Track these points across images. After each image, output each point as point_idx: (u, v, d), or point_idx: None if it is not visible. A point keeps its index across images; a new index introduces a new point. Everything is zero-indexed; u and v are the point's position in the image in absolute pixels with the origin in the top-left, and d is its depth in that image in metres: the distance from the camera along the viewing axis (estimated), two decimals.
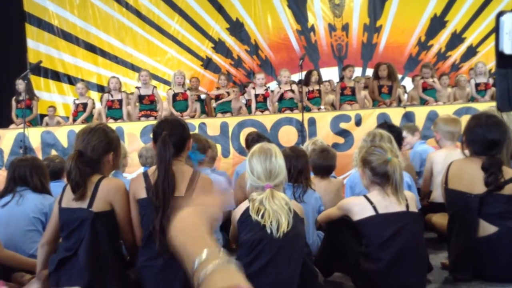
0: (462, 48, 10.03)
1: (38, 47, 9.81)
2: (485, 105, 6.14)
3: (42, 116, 8.46)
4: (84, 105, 7.44)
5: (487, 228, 2.68)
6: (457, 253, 2.78)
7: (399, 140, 3.91)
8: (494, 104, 6.16)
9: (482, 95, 7.30)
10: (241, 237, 2.38)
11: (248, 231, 2.33)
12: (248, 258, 2.27)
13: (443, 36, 10.04)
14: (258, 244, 2.27)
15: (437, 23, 10.00)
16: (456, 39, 10.01)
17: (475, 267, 2.71)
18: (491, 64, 8.45)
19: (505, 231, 2.64)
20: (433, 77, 7.40)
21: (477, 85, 7.37)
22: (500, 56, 2.65)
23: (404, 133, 4.59)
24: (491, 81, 7.45)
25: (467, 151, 2.94)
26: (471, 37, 9.93)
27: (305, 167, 3.22)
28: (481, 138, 2.83)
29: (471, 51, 9.97)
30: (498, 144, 2.78)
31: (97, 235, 2.44)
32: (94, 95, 9.25)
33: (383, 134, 3.38)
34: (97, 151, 2.56)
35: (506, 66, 2.71)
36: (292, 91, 7.04)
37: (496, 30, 2.65)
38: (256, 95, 7.22)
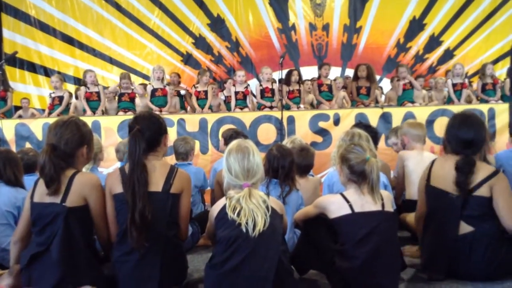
0: (439, 51, 10.22)
1: (14, 37, 9.58)
2: (461, 108, 6.28)
3: (17, 108, 8.28)
4: (60, 98, 7.31)
5: (463, 228, 2.72)
6: (432, 252, 2.82)
7: (375, 140, 3.97)
8: (468, 106, 6.36)
9: (458, 95, 7.45)
10: (218, 233, 2.37)
11: (224, 228, 2.33)
12: (224, 254, 2.28)
13: (421, 39, 10.21)
14: (234, 242, 2.27)
15: (415, 26, 10.16)
16: (434, 42, 10.20)
17: (449, 266, 2.75)
18: (468, 67, 8.64)
19: (481, 231, 2.68)
20: (409, 77, 7.50)
21: (454, 85, 7.51)
22: None
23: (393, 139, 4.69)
24: (467, 81, 7.62)
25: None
26: (449, 41, 10.14)
27: (292, 167, 3.24)
28: (455, 137, 2.89)
29: (448, 54, 10.17)
30: (472, 143, 2.81)
31: (71, 230, 2.40)
32: (71, 87, 9.08)
33: (362, 133, 3.42)
34: (71, 144, 2.53)
35: None
36: (272, 89, 7.06)
37: None
38: (236, 92, 7.21)
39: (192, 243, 3.65)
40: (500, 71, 8.47)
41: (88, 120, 5.96)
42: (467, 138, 2.83)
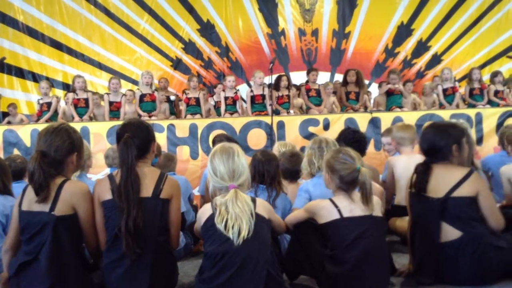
0: (427, 56, 10.34)
1: (2, 43, 9.50)
2: (449, 113, 6.36)
3: (5, 114, 8.20)
4: (49, 104, 7.26)
5: (450, 233, 2.73)
6: (420, 257, 2.84)
7: (363, 144, 3.99)
8: (455, 111, 6.43)
9: (450, 100, 7.50)
10: (205, 247, 2.38)
11: (212, 242, 2.33)
12: (213, 270, 2.29)
13: (409, 44, 10.32)
14: (222, 258, 2.28)
15: (403, 31, 10.27)
16: (421, 47, 10.31)
17: (438, 271, 2.77)
18: (455, 72, 8.74)
19: (468, 236, 2.69)
20: (399, 83, 7.56)
21: (444, 90, 7.58)
22: None
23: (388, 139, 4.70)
24: (457, 84, 7.73)
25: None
26: (436, 46, 10.27)
27: (277, 171, 3.25)
28: (420, 144, 3.02)
29: (436, 59, 10.29)
30: (433, 150, 2.87)
31: (60, 239, 2.39)
32: (60, 93, 9.03)
33: (328, 140, 3.40)
34: (61, 151, 2.51)
35: None
36: (263, 95, 7.08)
37: None
38: (226, 98, 7.22)
39: (184, 254, 3.65)
40: (487, 76, 8.59)
41: (77, 126, 5.91)
42: (426, 146, 2.92)
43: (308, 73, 7.80)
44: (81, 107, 7.12)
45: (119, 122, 5.92)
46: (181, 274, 3.00)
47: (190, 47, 10.16)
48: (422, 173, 2.84)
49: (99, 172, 5.24)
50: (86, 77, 7.78)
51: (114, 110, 7.27)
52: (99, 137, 6.14)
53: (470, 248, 2.67)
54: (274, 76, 7.29)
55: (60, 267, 2.37)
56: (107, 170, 4.50)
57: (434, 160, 2.88)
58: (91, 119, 7.12)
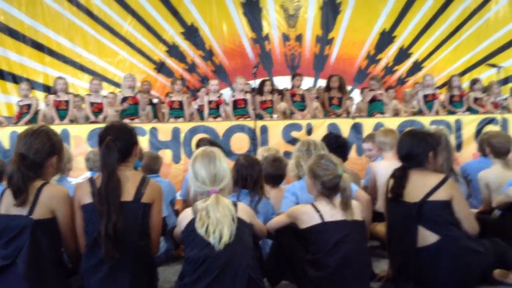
0: (408, 63, 10.49)
1: None
2: (429, 119, 6.46)
3: None
4: (29, 106, 7.16)
5: (427, 237, 2.76)
6: (399, 262, 2.88)
7: (345, 150, 4.02)
8: (435, 118, 6.53)
9: (430, 106, 7.61)
10: (186, 252, 2.37)
11: (192, 247, 2.32)
12: (194, 275, 2.28)
13: (391, 51, 10.46)
14: (203, 263, 2.27)
15: (385, 38, 10.40)
16: (403, 54, 10.46)
17: (416, 276, 2.80)
18: (435, 79, 8.88)
19: (446, 240, 2.73)
20: (380, 90, 7.65)
21: (425, 96, 7.69)
22: None
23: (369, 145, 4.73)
24: (438, 91, 7.86)
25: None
26: (417, 53, 10.42)
27: (260, 176, 3.25)
28: (398, 151, 3.07)
29: (417, 66, 10.45)
30: (410, 157, 2.93)
31: (38, 243, 2.35)
32: (40, 95, 8.90)
33: (317, 142, 3.45)
34: (40, 154, 2.48)
35: None
36: (245, 100, 7.09)
37: None
38: (209, 102, 7.21)
39: (165, 259, 3.63)
40: (467, 83, 8.76)
41: (57, 128, 5.81)
42: (403, 153, 2.97)
43: (292, 78, 7.85)
44: (63, 109, 7.05)
45: (100, 125, 5.86)
46: (162, 279, 2.98)
47: (173, 50, 10.12)
48: (399, 178, 2.89)
49: (79, 175, 5.17)
50: (68, 79, 7.68)
51: (95, 111, 7.18)
52: (79, 140, 6.06)
53: (447, 251, 2.71)
54: (258, 81, 7.31)
55: (38, 271, 2.34)
56: (88, 174, 4.44)
57: (410, 165, 2.93)
58: (72, 121, 7.03)
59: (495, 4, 10.25)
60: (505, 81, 9.39)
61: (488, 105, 7.80)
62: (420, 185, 2.83)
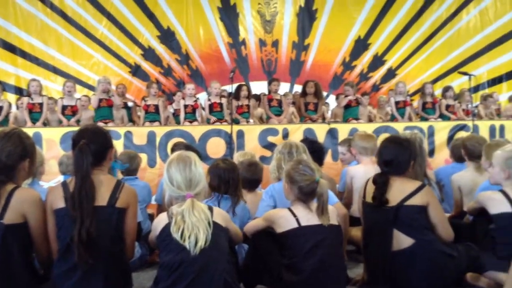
0: (382, 70, 10.68)
1: None
2: (403, 125, 6.58)
3: None
4: (0, 109, 6.99)
5: (402, 241, 2.80)
6: (374, 266, 2.91)
7: (321, 155, 4.05)
8: (409, 124, 6.66)
9: (402, 112, 7.77)
10: (161, 257, 2.35)
11: (167, 252, 2.30)
12: (169, 280, 2.25)
13: (366, 58, 10.64)
14: (178, 268, 2.24)
15: (360, 45, 10.57)
16: (377, 61, 10.65)
17: (391, 279, 2.83)
18: (409, 86, 9.07)
19: (420, 244, 2.77)
20: (354, 96, 7.75)
21: (397, 103, 7.84)
22: None
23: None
24: (409, 99, 8.02)
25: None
26: (391, 60, 10.63)
27: (238, 179, 3.26)
28: (377, 156, 3.13)
29: (391, 73, 10.65)
30: (392, 163, 2.96)
31: (8, 248, 2.29)
32: (12, 97, 8.70)
33: (298, 145, 3.47)
34: (12, 157, 2.42)
35: None
36: (221, 104, 7.08)
37: None
38: (185, 106, 7.17)
39: (140, 265, 3.58)
40: (439, 91, 8.95)
41: (29, 131, 5.67)
42: (384, 159, 3.01)
43: (269, 83, 7.86)
44: (36, 112, 6.92)
45: (73, 128, 5.76)
46: (136, 285, 2.94)
47: (149, 54, 10.04)
48: (382, 184, 2.91)
49: (51, 179, 5.07)
50: (41, 82, 7.52)
51: (69, 114, 7.08)
52: (52, 143, 5.93)
53: (422, 255, 2.75)
54: (235, 85, 7.31)
55: (8, 277, 2.28)
56: (61, 178, 4.36)
57: (391, 172, 2.96)
58: (45, 124, 6.89)
59: (466, 14, 10.55)
60: (476, 89, 9.66)
61: (460, 112, 8.00)
62: (398, 190, 2.87)
